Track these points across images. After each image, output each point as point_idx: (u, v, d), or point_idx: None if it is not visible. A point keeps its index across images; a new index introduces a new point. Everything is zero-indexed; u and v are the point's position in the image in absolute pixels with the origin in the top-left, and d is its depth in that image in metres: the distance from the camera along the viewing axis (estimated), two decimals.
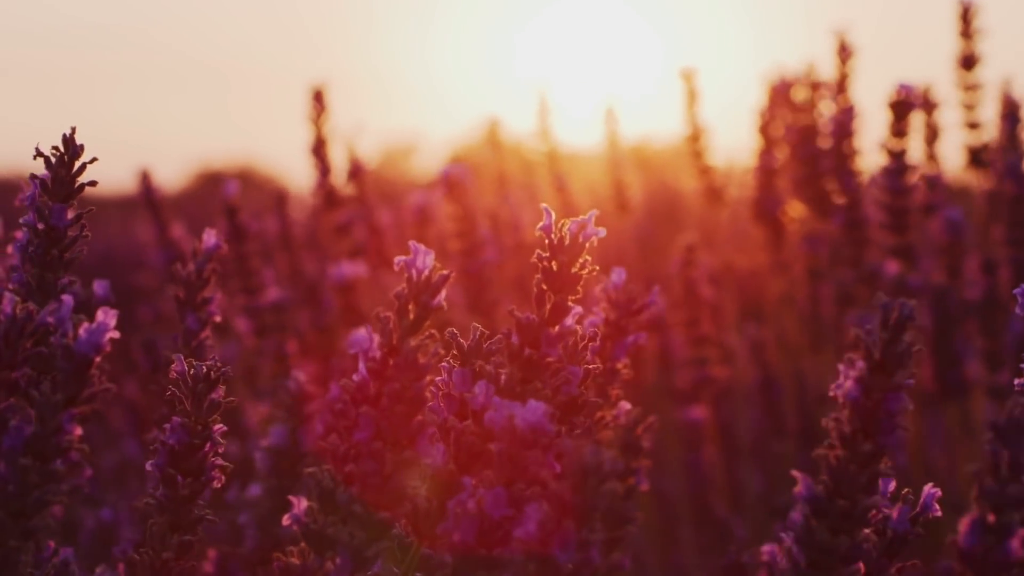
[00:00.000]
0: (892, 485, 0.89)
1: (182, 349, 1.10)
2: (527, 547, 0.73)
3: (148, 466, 0.92)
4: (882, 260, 1.86)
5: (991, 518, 0.77)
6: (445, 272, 0.80)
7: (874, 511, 0.81)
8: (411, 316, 0.80)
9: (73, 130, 0.96)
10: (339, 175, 2.13)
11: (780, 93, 2.08)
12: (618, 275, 0.95)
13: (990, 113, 1.99)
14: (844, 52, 2.01)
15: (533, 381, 0.82)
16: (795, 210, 2.06)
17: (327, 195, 2.12)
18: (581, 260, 0.82)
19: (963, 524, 0.78)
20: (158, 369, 1.51)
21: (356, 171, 2.23)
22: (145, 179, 2.08)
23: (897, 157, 1.82)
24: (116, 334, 0.82)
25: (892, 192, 1.82)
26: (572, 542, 0.72)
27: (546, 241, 0.82)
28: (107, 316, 0.81)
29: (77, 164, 0.96)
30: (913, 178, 1.83)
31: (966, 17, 1.98)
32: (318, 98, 2.10)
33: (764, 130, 2.09)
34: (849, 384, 0.78)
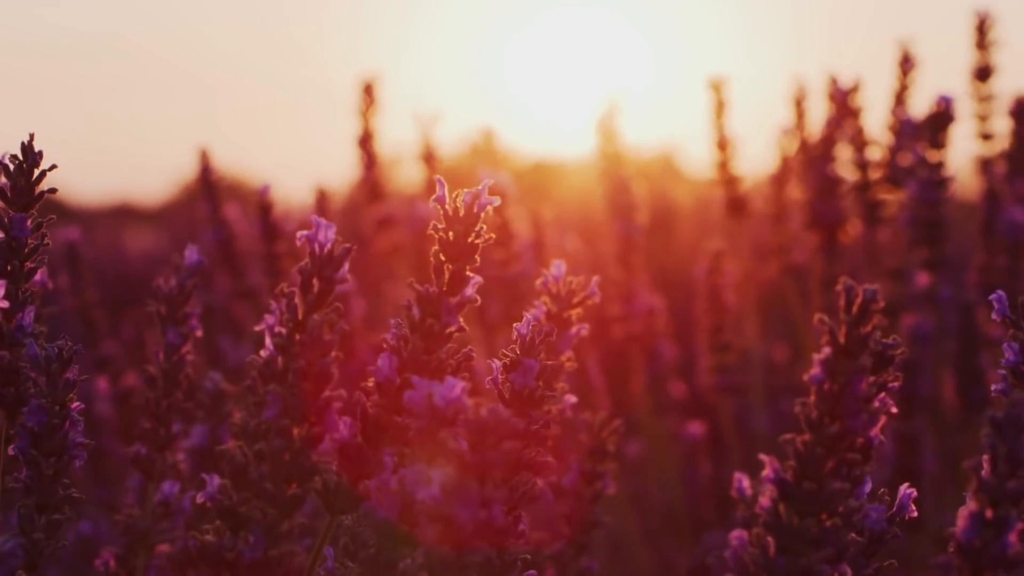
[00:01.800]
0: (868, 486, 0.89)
1: (163, 364, 1.11)
2: (433, 511, 0.73)
3: (11, 450, 0.93)
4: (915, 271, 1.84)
5: (989, 513, 0.77)
6: (347, 245, 0.81)
7: (847, 503, 0.81)
8: (315, 291, 0.81)
9: (32, 137, 0.96)
10: (382, 168, 2.16)
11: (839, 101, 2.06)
12: (557, 268, 0.96)
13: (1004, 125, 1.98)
14: (907, 63, 1.99)
15: (436, 352, 0.82)
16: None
17: (371, 188, 2.14)
18: (477, 229, 0.83)
19: (961, 518, 0.78)
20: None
21: (429, 157, 2.25)
22: (204, 158, 2.08)
23: (934, 169, 1.80)
24: (5, 304, 0.83)
25: (926, 204, 1.80)
26: (474, 501, 0.72)
27: (441, 212, 0.83)
28: None
29: (36, 172, 0.96)
30: (948, 191, 1.81)
31: (982, 28, 1.97)
32: (368, 91, 2.12)
33: (827, 139, 2.06)
34: (815, 368, 0.79)
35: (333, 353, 0.80)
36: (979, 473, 0.77)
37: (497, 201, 0.82)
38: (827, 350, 0.79)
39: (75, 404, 0.93)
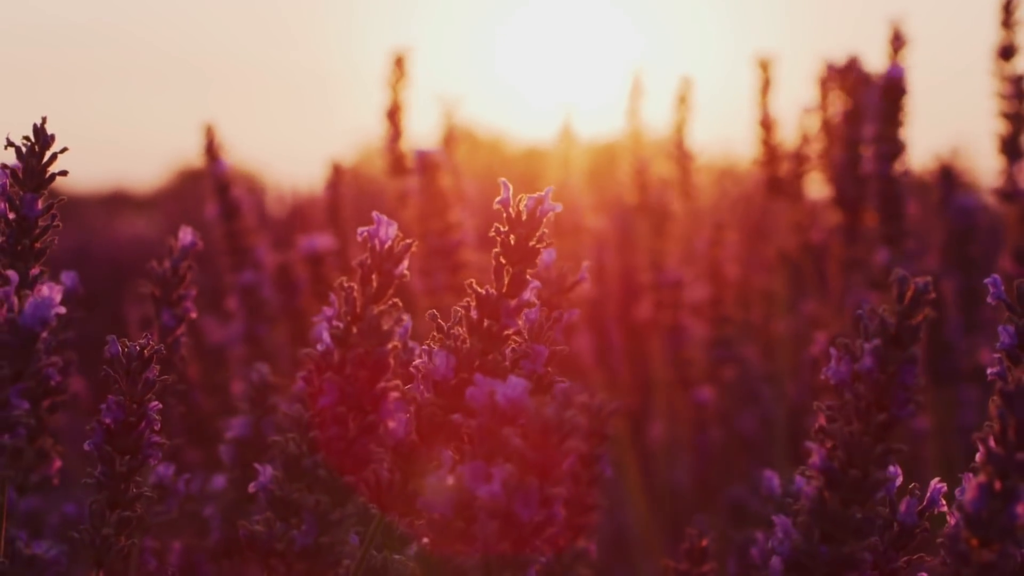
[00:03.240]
0: (899, 479, 0.91)
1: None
2: (493, 508, 0.73)
3: (86, 446, 0.93)
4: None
5: (997, 484, 0.78)
6: (408, 241, 0.81)
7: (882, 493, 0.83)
8: (374, 285, 0.81)
9: (44, 120, 0.97)
10: (408, 142, 2.14)
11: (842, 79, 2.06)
12: (548, 253, 0.96)
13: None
14: (897, 41, 1.99)
15: (493, 353, 0.83)
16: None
17: (396, 161, 2.14)
18: (539, 234, 0.83)
19: (970, 488, 0.79)
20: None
21: (451, 138, 2.25)
22: (209, 134, 1.99)
23: (889, 142, 1.81)
24: (62, 309, 0.83)
25: (882, 179, 1.81)
26: (535, 499, 0.73)
27: (504, 215, 0.83)
28: (52, 291, 0.82)
29: (48, 154, 0.97)
30: (903, 164, 1.81)
31: (1008, 7, 1.98)
32: (399, 64, 2.12)
33: (849, 119, 2.06)
34: (866, 358, 0.80)
35: (391, 344, 0.80)
36: (988, 444, 0.78)
37: (559, 207, 0.82)
38: (877, 340, 0.79)
39: (153, 403, 0.93)
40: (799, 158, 2.15)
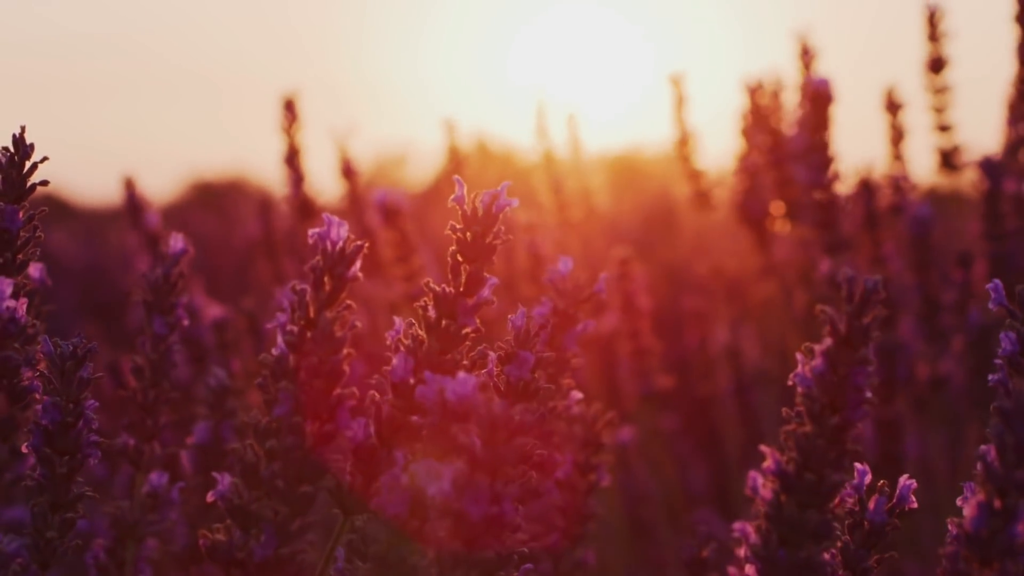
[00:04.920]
0: (868, 477, 0.90)
1: (150, 354, 1.10)
2: (444, 506, 0.72)
3: (24, 448, 0.91)
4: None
5: (997, 503, 0.77)
6: (360, 243, 0.80)
7: (842, 492, 0.82)
8: (327, 288, 0.80)
9: (23, 129, 0.96)
10: (313, 184, 2.13)
11: (758, 97, 2.08)
12: (564, 263, 0.95)
13: (960, 116, 2.02)
14: (806, 55, 2.01)
15: (451, 352, 0.82)
16: (778, 212, 2.04)
17: (301, 205, 2.12)
18: (495, 230, 0.82)
19: (969, 508, 0.78)
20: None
21: (348, 172, 2.21)
22: (129, 186, 2.03)
23: (818, 151, 1.81)
24: (13, 303, 0.82)
25: (815, 187, 1.82)
26: (484, 497, 0.71)
27: (459, 212, 0.82)
28: (2, 284, 0.81)
29: (28, 164, 0.96)
30: (834, 172, 1.82)
31: (933, 20, 2.00)
32: (289, 107, 2.10)
33: (746, 133, 2.08)
34: (816, 360, 0.79)
35: (345, 350, 0.79)
36: (987, 462, 0.77)
37: (516, 203, 0.81)
38: (828, 340, 0.79)
39: (89, 402, 0.92)
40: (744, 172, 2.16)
